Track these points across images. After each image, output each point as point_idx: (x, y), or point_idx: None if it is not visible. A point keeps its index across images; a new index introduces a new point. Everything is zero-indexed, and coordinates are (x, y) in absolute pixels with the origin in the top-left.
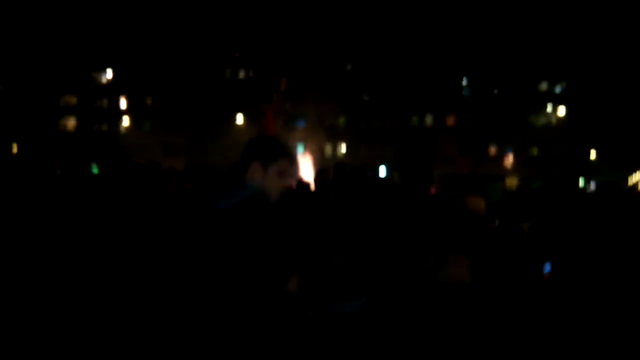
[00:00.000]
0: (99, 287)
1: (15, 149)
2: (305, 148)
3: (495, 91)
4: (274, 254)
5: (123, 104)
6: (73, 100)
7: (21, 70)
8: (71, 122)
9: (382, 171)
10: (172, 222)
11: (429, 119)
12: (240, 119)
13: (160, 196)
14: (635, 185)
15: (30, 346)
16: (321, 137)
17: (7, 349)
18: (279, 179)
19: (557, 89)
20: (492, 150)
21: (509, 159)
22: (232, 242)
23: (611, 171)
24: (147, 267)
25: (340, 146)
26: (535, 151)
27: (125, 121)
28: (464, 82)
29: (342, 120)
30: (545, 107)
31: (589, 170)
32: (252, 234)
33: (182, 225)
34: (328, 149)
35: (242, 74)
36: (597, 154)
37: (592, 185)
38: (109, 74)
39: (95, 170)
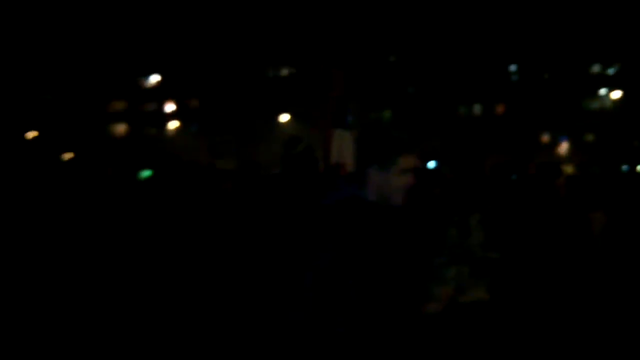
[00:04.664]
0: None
1: (67, 157)
2: None
3: (546, 76)
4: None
5: (170, 107)
6: (121, 105)
7: (69, 78)
8: (120, 128)
9: (432, 165)
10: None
11: (477, 108)
12: (285, 117)
13: (218, 197)
14: None
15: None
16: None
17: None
18: (400, 179)
19: (610, 71)
20: (545, 138)
21: (563, 146)
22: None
23: None
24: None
25: None
26: (590, 137)
27: (173, 124)
28: (512, 68)
29: (387, 114)
30: (599, 90)
31: None
32: (341, 232)
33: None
34: None
35: (284, 72)
36: None
37: None
38: (155, 77)
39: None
